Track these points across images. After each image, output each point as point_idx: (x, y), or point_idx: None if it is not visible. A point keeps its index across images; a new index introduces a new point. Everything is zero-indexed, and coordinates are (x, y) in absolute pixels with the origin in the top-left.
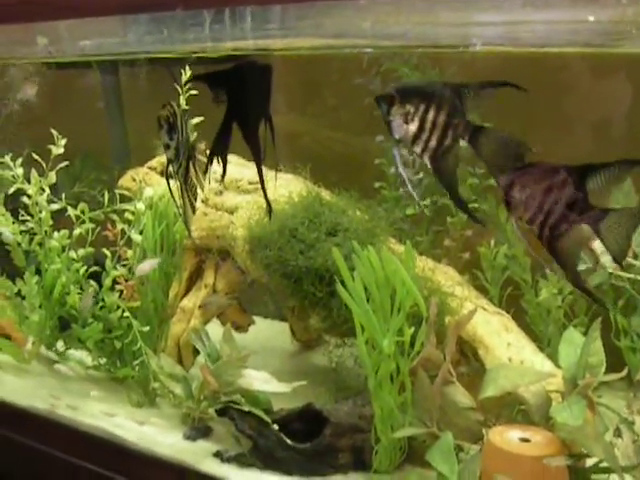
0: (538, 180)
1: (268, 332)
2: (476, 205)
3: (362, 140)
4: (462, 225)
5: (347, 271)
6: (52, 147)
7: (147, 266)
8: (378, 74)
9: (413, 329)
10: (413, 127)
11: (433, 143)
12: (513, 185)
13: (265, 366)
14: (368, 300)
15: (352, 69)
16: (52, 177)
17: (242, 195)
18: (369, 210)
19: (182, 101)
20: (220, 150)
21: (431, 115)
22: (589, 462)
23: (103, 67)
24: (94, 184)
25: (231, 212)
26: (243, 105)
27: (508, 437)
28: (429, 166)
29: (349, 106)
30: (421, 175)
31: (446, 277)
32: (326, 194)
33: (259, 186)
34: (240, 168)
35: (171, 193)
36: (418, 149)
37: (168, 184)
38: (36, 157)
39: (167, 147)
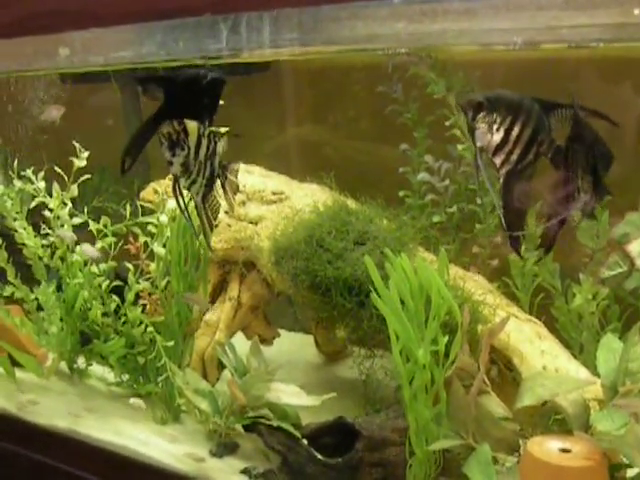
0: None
1: (292, 345)
2: None
3: (385, 148)
4: (490, 232)
5: (380, 280)
6: (74, 160)
7: (91, 251)
8: (400, 81)
9: (447, 338)
10: (497, 137)
11: (514, 157)
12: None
13: (291, 379)
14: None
15: (375, 76)
16: (74, 190)
17: (266, 206)
18: (396, 218)
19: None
20: (136, 146)
21: (517, 128)
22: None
23: (122, 79)
24: (113, 197)
25: (255, 223)
26: (181, 111)
27: (547, 447)
28: (501, 180)
29: (372, 114)
30: (447, 182)
31: (476, 285)
32: (351, 203)
33: (283, 196)
34: (263, 178)
35: (180, 209)
36: (498, 160)
37: (177, 200)
38: (58, 170)
39: (170, 164)
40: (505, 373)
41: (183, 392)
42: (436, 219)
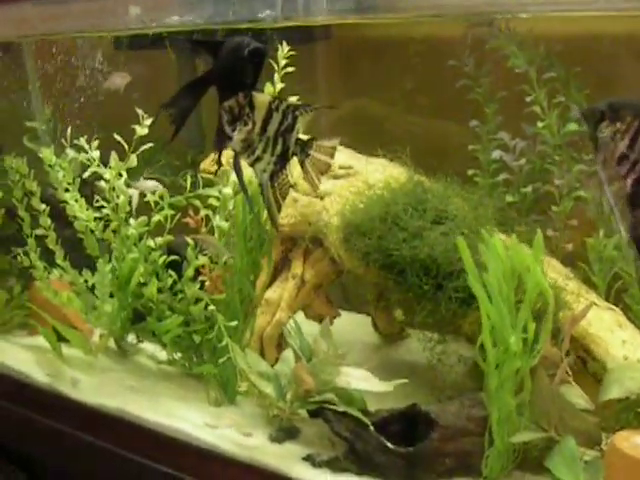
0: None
1: (349, 325)
2: (581, 193)
3: (452, 124)
4: (567, 214)
5: (472, 263)
6: (136, 127)
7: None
8: (473, 54)
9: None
10: (622, 146)
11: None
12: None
13: (352, 362)
14: None
15: (445, 49)
16: (133, 160)
17: (333, 180)
18: (472, 197)
19: (277, 81)
20: (176, 106)
21: None
22: None
23: (178, 45)
24: (165, 169)
25: (322, 198)
26: (226, 77)
27: (636, 443)
28: (627, 190)
29: (437, 88)
30: (522, 161)
31: (553, 270)
32: (425, 180)
33: (352, 171)
34: None
35: (241, 186)
36: (623, 170)
37: (239, 177)
38: (118, 138)
39: (229, 139)
40: (578, 362)
41: (246, 375)
42: (510, 199)
